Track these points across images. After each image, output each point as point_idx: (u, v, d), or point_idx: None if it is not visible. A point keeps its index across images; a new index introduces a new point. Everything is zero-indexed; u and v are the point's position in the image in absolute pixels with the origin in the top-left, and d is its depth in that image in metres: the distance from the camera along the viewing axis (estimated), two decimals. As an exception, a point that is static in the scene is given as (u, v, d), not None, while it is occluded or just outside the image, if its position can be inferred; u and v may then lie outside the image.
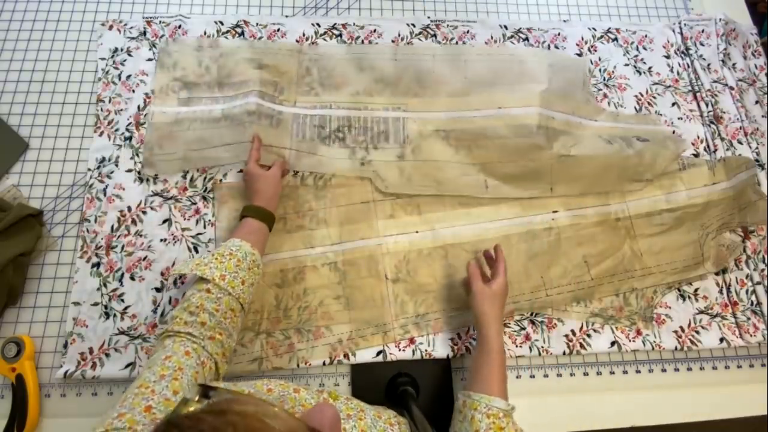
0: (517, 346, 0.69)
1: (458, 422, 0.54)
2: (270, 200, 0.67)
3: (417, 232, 0.73)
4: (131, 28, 0.81)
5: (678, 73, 0.87)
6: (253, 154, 0.71)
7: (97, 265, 0.68)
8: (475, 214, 0.75)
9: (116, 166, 0.73)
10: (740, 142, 0.81)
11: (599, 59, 0.87)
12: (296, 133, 0.76)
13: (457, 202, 0.75)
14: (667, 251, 0.75)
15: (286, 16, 0.86)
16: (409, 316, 0.69)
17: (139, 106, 0.76)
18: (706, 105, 0.84)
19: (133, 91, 0.77)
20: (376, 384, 0.66)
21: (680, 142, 0.81)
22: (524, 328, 0.70)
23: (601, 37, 0.88)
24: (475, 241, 0.73)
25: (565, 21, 0.90)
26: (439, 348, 0.68)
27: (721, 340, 0.71)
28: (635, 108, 0.83)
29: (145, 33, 0.81)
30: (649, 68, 0.86)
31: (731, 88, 0.84)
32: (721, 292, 0.74)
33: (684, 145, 0.81)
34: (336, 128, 0.77)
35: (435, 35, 0.85)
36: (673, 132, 0.81)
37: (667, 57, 0.88)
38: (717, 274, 0.75)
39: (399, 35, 0.85)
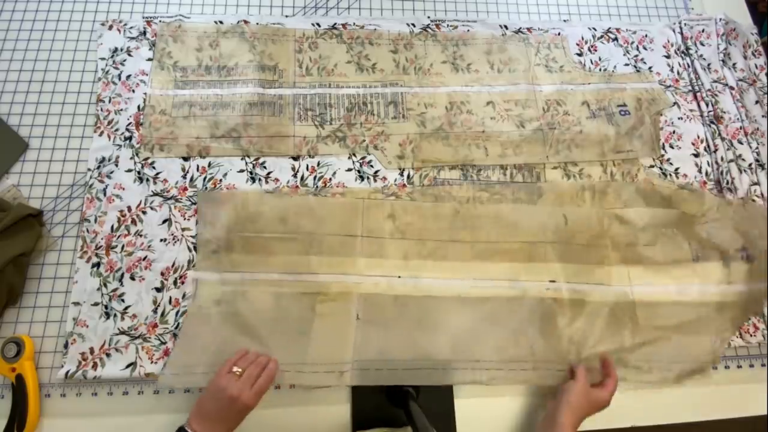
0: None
1: None
2: None
3: (399, 276, 0.68)
4: (131, 28, 0.81)
5: (678, 73, 0.87)
6: (230, 362, 0.58)
7: (97, 265, 0.68)
8: (463, 269, 0.70)
9: (116, 166, 0.73)
10: (740, 142, 0.81)
11: (599, 59, 0.87)
12: (298, 117, 0.77)
13: (448, 253, 0.70)
14: (669, 348, 0.68)
15: (286, 16, 0.86)
16: (372, 359, 0.64)
17: (139, 106, 0.76)
18: (706, 105, 0.84)
19: (133, 91, 0.77)
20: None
21: (659, 103, 0.83)
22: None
23: (601, 37, 0.89)
24: (455, 296, 0.68)
25: (565, 21, 0.90)
26: (439, 348, 0.68)
27: (721, 340, 0.71)
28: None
29: (145, 33, 0.81)
30: (649, 68, 0.86)
31: (731, 88, 0.84)
32: (721, 292, 0.74)
33: (663, 104, 0.83)
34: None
35: (435, 35, 0.85)
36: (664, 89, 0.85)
37: (668, 57, 0.88)
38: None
39: (399, 35, 0.85)
